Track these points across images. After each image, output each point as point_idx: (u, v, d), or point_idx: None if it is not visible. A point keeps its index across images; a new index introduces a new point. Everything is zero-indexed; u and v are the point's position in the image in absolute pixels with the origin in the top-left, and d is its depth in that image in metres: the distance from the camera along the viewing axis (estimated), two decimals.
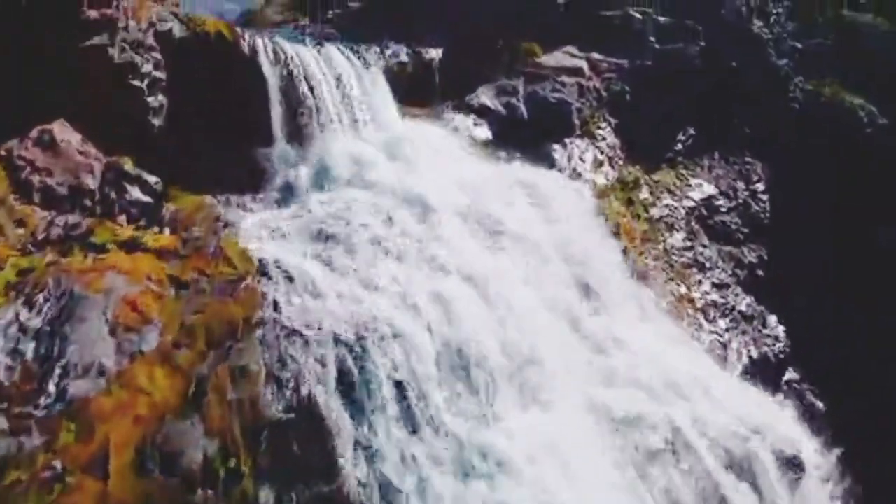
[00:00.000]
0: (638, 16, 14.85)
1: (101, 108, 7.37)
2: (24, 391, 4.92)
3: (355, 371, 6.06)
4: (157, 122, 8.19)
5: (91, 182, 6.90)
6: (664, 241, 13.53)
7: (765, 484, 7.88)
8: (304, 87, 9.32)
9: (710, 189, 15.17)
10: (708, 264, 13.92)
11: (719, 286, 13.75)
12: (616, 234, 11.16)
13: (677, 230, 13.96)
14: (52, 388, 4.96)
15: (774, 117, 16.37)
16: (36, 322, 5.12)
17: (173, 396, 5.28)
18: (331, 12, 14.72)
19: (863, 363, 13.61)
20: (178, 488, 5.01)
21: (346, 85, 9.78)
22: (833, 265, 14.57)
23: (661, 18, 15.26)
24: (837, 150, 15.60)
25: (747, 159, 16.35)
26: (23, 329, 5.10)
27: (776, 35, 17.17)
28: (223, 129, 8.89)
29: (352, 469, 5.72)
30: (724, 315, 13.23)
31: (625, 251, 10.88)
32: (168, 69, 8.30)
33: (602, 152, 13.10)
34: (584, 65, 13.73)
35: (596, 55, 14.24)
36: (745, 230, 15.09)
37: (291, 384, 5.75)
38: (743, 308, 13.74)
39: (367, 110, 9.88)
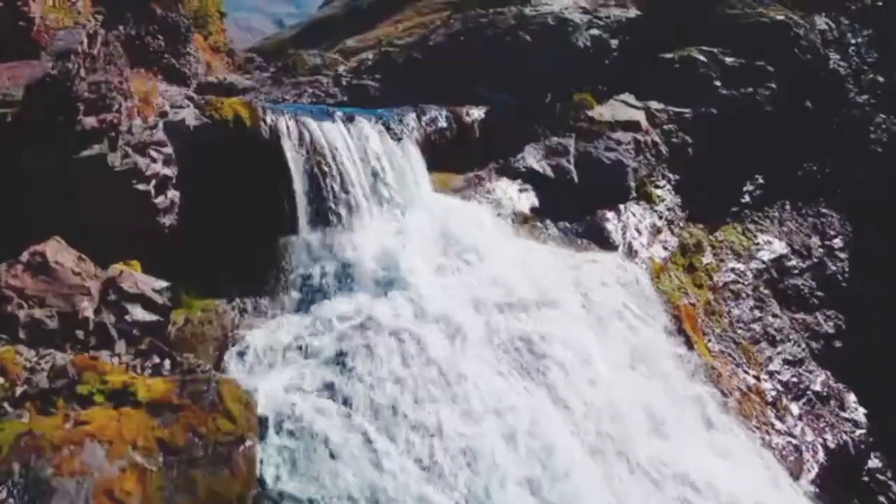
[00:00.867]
0: (702, 58, 13.55)
1: (103, 217, 6.71)
2: None
3: None
4: (167, 220, 7.51)
5: (87, 306, 6.24)
6: (729, 313, 12.29)
7: None
8: (330, 170, 8.52)
9: (780, 247, 13.81)
10: (778, 337, 12.60)
11: (791, 362, 12.43)
12: (676, 319, 10.00)
13: (744, 298, 12.69)
14: None
15: (853, 162, 14.90)
16: None
17: None
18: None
19: None
20: None
21: (376, 164, 8.94)
22: None
23: (728, 59, 13.91)
24: None
25: (822, 210, 14.91)
26: None
27: (855, 68, 15.65)
28: (242, 218, 8.15)
29: None
30: (796, 398, 11.91)
31: (687, 342, 9.71)
32: (180, 161, 7.61)
33: (660, 217, 11.93)
34: (641, 117, 12.57)
35: (655, 104, 13.06)
36: (821, 294, 13.68)
37: None
38: (818, 387, 12.37)
39: (398, 190, 9.03)
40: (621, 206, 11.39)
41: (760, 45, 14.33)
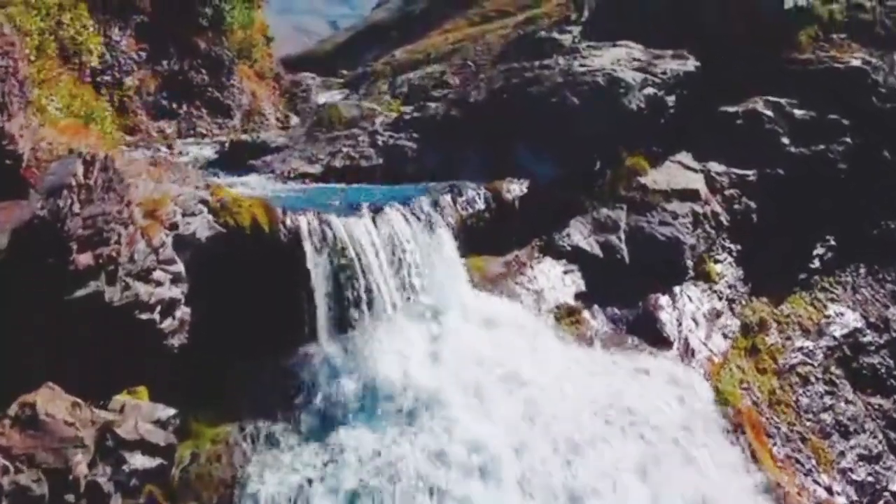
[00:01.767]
0: (768, 112, 12.40)
1: (103, 352, 6.15)
2: None
3: None
4: (175, 341, 6.93)
5: (81, 459, 5.68)
6: (796, 402, 11.17)
7: None
8: (354, 272, 7.84)
9: (853, 319, 12.60)
10: (852, 427, 11.42)
11: (867, 458, 11.24)
12: (738, 428, 8.97)
13: (813, 382, 11.55)
14: None
15: None
16: None
17: None
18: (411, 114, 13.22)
19: None
20: None
21: (406, 262, 8.21)
22: None
23: (798, 112, 12.72)
24: None
25: None
26: None
27: None
28: (258, 327, 7.54)
29: None
30: (873, 501, 10.74)
31: (752, 455, 8.69)
32: (191, 274, 7.02)
33: (720, 297, 10.89)
34: (700, 183, 11.54)
35: (715, 166, 12.00)
36: None
37: None
38: None
39: (430, 292, 8.28)
40: (676, 289, 10.39)
41: (833, 94, 13.12)
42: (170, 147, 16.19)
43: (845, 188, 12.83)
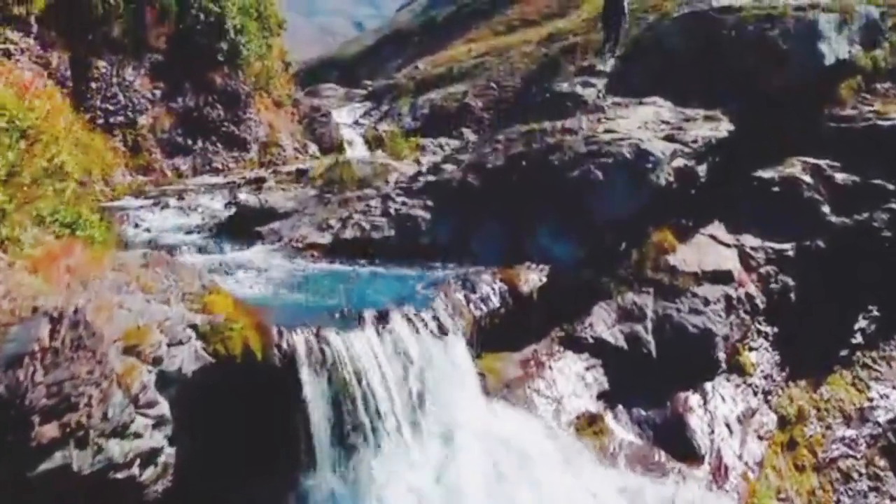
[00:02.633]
0: (807, 179, 11.58)
1: None
2: None
3: None
4: (159, 486, 6.38)
5: None
6: (838, 502, 10.33)
7: None
8: (356, 394, 7.23)
9: None
10: None
11: None
12: None
13: (856, 478, 10.73)
14: None
15: None
16: None
17: None
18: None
19: None
20: None
21: (413, 378, 7.59)
22: None
23: (839, 176, 11.86)
24: None
25: None
26: None
27: None
28: (251, 461, 6.97)
29: None
30: None
31: None
32: (176, 411, 6.45)
33: (755, 391, 10.11)
34: (733, 261, 10.74)
35: (750, 239, 11.22)
36: None
37: None
38: None
39: (439, 411, 7.64)
40: (708, 386, 9.63)
41: (878, 154, 12.20)
42: (181, 198, 15.74)
43: (890, 257, 11.95)
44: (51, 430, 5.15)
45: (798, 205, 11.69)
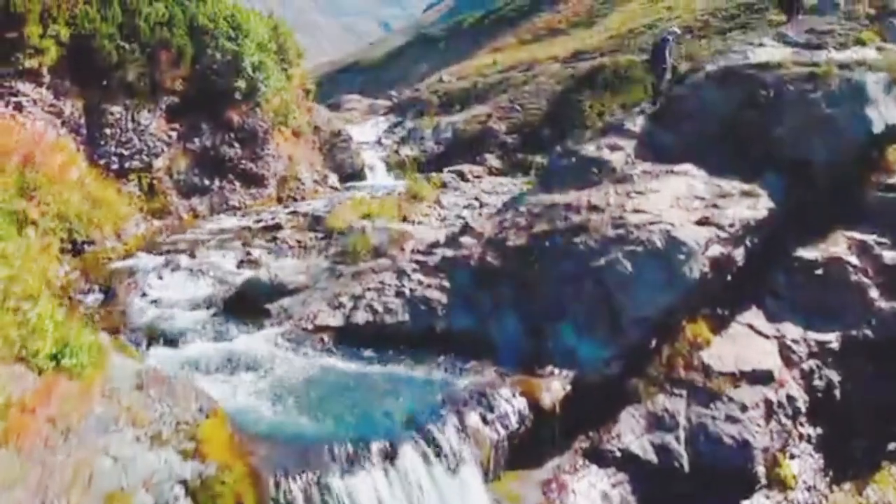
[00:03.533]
0: (853, 260, 10.72)
1: None
2: None
3: None
4: None
5: None
6: None
7: None
8: None
9: None
10: None
11: None
12: None
13: None
14: None
15: None
16: None
17: None
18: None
19: None
20: None
21: None
22: None
23: (887, 255, 11.01)
24: None
25: None
26: None
27: None
28: None
29: None
30: None
31: None
32: None
33: None
34: (773, 358, 9.94)
35: (791, 329, 10.41)
36: None
37: None
38: None
39: None
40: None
41: None
42: (192, 255, 15.30)
43: None
44: None
45: (844, 289, 10.83)
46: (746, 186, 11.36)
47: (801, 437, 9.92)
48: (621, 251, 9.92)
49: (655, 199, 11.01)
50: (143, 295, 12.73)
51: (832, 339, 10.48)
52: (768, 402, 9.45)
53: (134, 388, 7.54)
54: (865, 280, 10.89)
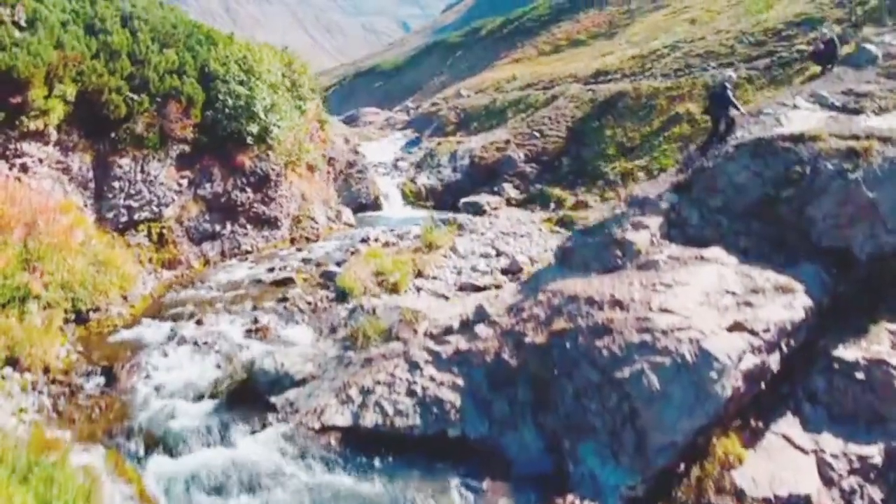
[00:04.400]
0: None
1: None
2: None
3: None
4: None
5: None
6: None
7: None
8: None
9: None
10: None
11: None
12: None
13: None
14: None
15: None
16: None
17: None
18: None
19: None
20: None
21: None
22: None
23: None
24: None
25: None
26: None
27: None
28: None
29: None
30: None
31: None
32: None
33: None
34: (811, 478, 9.26)
35: (830, 442, 9.76)
36: None
37: None
38: None
39: None
40: None
41: None
42: (199, 322, 14.85)
43: None
44: None
45: (888, 394, 10.05)
46: (781, 279, 10.61)
47: None
48: (647, 362, 9.25)
49: (683, 296, 10.32)
50: (147, 377, 12.29)
51: (875, 452, 9.71)
52: None
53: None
54: None
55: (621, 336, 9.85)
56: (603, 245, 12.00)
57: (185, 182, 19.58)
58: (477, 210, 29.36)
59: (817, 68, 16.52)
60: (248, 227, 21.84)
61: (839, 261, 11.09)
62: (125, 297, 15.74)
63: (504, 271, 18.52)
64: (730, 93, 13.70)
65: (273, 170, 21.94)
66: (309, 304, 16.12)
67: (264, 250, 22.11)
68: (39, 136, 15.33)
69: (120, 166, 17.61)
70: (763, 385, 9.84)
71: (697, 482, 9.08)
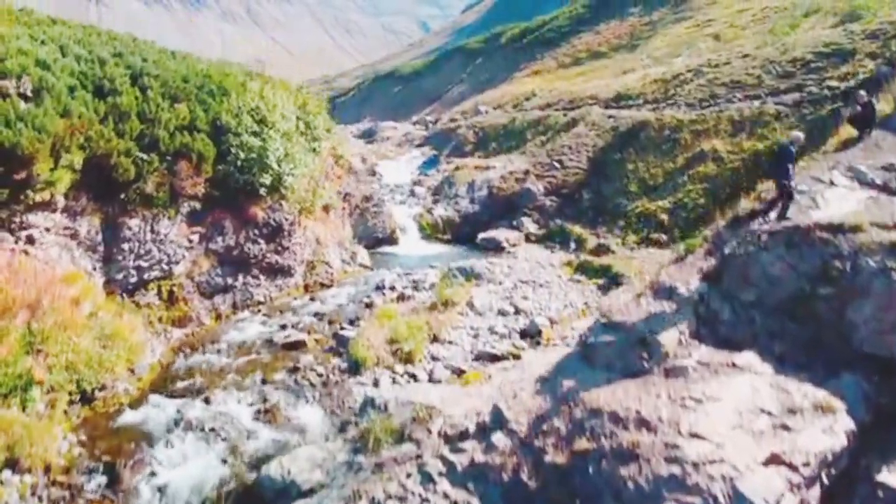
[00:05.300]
0: None
1: None
2: None
3: None
4: None
5: None
6: None
7: None
8: None
9: None
10: None
11: None
12: None
13: None
14: None
15: None
16: None
17: None
18: None
19: None
20: None
21: None
22: None
23: None
24: None
25: None
26: None
27: None
28: None
29: None
30: None
31: None
32: None
33: None
34: None
35: None
36: None
37: None
38: None
39: None
40: None
41: None
42: (206, 401, 14.41)
43: None
44: None
45: None
46: (820, 395, 9.89)
47: None
48: (676, 502, 8.59)
49: (715, 415, 9.64)
50: (151, 474, 11.86)
51: None
52: None
53: None
54: None
55: (648, 465, 9.19)
56: (627, 344, 11.35)
57: (196, 237, 19.18)
58: (495, 247, 28.75)
59: (853, 131, 15.68)
60: (261, 277, 21.41)
61: (882, 368, 10.33)
62: (132, 370, 15.35)
63: (522, 334, 17.92)
64: (792, 156, 12.67)
65: (286, 219, 21.49)
66: (320, 376, 15.65)
67: (277, 299, 21.68)
68: (46, 206, 14.97)
69: (129, 227, 17.23)
70: None
71: None
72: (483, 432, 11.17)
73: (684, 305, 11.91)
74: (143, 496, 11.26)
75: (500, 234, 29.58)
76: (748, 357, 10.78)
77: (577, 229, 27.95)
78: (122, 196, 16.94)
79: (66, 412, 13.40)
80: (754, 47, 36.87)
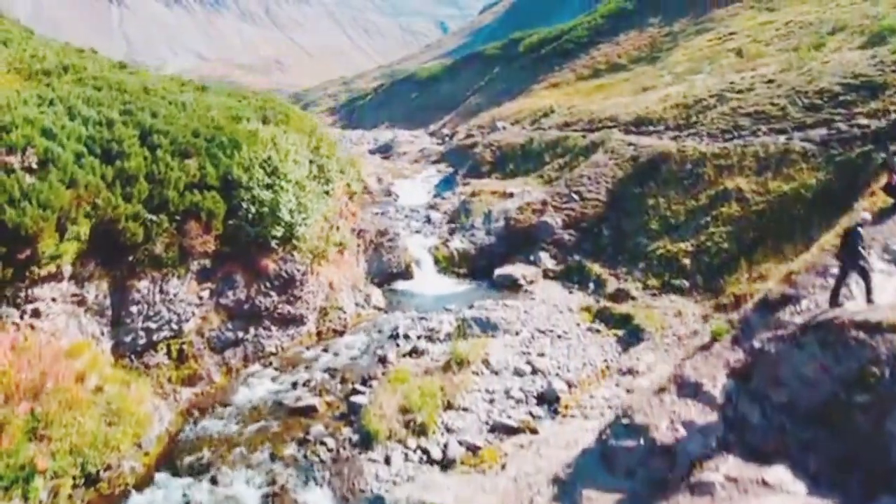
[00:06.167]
0: None
1: None
2: None
3: None
4: None
5: None
6: None
7: None
8: None
9: None
10: None
11: None
12: None
13: None
14: None
15: None
16: None
17: None
18: None
19: None
20: None
21: None
22: None
23: None
24: None
25: None
26: None
27: None
28: None
29: None
30: None
31: None
32: None
33: None
34: None
35: None
36: None
37: None
38: None
39: None
40: None
41: None
42: (214, 481, 14.01)
43: None
44: None
45: None
46: None
47: None
48: None
49: None
50: None
51: None
52: None
53: None
54: None
55: None
56: (649, 451, 10.76)
57: (206, 293, 18.84)
58: (512, 283, 28.21)
59: (888, 198, 14.95)
60: (273, 328, 21.03)
61: None
62: (139, 445, 15.00)
63: (539, 399, 17.38)
64: (859, 240, 12.04)
65: (299, 269, 21.09)
66: (330, 451, 15.21)
67: (289, 349, 21.30)
68: (52, 278, 14.66)
69: (138, 290, 16.90)
70: None
71: None
72: None
73: (710, 408, 11.30)
74: None
75: (517, 269, 29.01)
76: (779, 473, 10.16)
77: (596, 268, 27.31)
78: (131, 258, 16.62)
79: (70, 497, 13.08)
80: (779, 70, 35.92)
